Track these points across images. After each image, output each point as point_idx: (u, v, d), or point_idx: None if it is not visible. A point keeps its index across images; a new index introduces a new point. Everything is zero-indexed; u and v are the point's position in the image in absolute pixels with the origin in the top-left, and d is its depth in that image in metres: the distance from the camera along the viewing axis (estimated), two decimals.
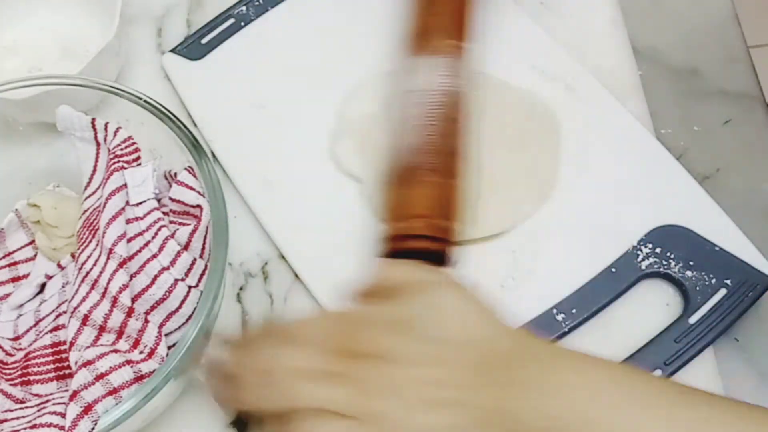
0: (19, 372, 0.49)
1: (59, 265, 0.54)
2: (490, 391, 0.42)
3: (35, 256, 0.55)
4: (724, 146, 0.60)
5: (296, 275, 0.56)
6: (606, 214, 0.56)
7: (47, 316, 0.52)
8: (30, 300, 0.53)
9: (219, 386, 0.47)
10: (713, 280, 0.53)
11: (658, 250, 0.54)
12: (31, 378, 0.49)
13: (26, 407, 0.46)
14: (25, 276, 0.55)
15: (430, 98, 0.56)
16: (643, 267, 0.54)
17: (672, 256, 0.54)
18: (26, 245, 0.56)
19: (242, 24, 0.64)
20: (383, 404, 0.42)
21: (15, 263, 0.55)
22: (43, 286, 0.54)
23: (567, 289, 0.53)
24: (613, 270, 0.54)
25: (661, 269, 0.53)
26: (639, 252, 0.54)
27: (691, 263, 0.53)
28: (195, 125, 0.61)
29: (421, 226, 0.53)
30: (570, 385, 0.42)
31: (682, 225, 0.55)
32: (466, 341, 0.44)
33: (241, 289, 0.56)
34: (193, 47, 0.63)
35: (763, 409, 0.41)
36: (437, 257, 0.52)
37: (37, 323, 0.52)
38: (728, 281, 0.52)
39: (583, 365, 0.43)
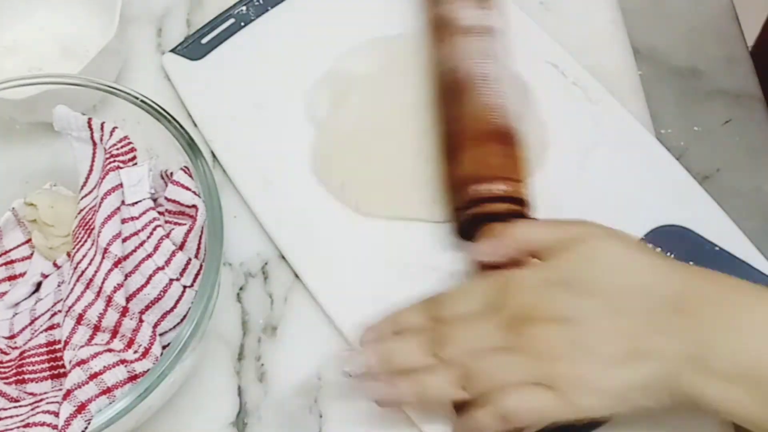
0: (14, 370, 0.49)
1: (55, 264, 0.54)
2: (675, 336, 0.41)
3: (32, 254, 0.55)
4: (724, 146, 0.60)
5: (296, 275, 0.56)
6: (606, 214, 0.56)
7: (43, 314, 0.52)
8: (26, 299, 0.53)
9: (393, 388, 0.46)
10: None
11: (658, 250, 0.54)
12: (26, 377, 0.49)
13: (20, 406, 0.46)
14: (22, 275, 0.55)
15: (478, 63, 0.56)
16: None
17: (672, 256, 0.54)
18: (23, 244, 0.56)
19: (242, 24, 0.64)
20: (577, 368, 0.42)
21: (11, 262, 0.55)
22: (39, 285, 0.54)
23: None
24: None
25: None
26: None
27: (691, 263, 0.53)
28: (195, 125, 0.61)
29: (503, 189, 0.52)
30: (756, 325, 0.40)
31: (682, 225, 0.55)
32: (635, 288, 0.43)
33: (241, 289, 0.56)
34: (193, 47, 0.63)
35: None
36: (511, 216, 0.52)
37: (32, 322, 0.52)
38: None
39: (763, 301, 0.41)
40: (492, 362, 0.44)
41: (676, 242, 0.54)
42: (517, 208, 0.52)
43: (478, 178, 0.53)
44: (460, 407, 0.47)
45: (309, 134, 0.59)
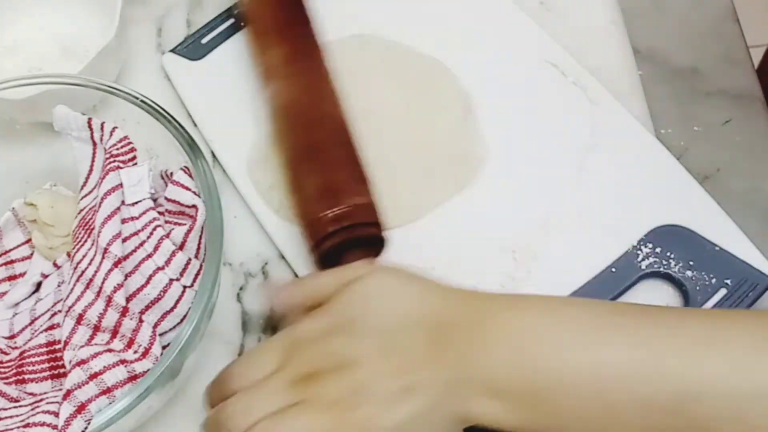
0: (14, 370, 0.49)
1: (55, 264, 0.54)
2: (447, 362, 0.43)
3: (32, 254, 0.55)
4: (724, 146, 0.60)
5: (296, 275, 0.56)
6: (606, 214, 0.56)
7: (43, 314, 0.52)
8: (26, 299, 0.53)
9: None
10: (713, 280, 0.53)
11: (658, 249, 0.54)
12: (26, 377, 0.49)
13: (20, 406, 0.46)
14: (22, 274, 0.55)
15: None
16: (643, 267, 0.54)
17: (672, 256, 0.54)
18: (23, 244, 0.56)
19: (242, 24, 0.64)
20: (361, 412, 0.42)
21: (11, 261, 0.55)
22: (39, 285, 0.54)
23: (567, 289, 0.53)
24: (613, 270, 0.54)
25: (661, 269, 0.53)
26: (639, 252, 0.54)
27: (691, 263, 0.53)
28: (195, 125, 0.61)
29: (340, 216, 0.51)
30: (513, 332, 0.42)
31: (682, 225, 0.55)
32: (400, 321, 0.44)
33: (241, 289, 0.56)
34: (193, 47, 0.63)
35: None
36: (371, 241, 0.52)
37: (32, 322, 0.52)
38: (728, 281, 0.52)
39: (522, 310, 0.44)
40: (283, 424, 0.43)
41: (676, 242, 0.54)
42: (361, 232, 0.52)
43: (327, 205, 0.52)
44: None
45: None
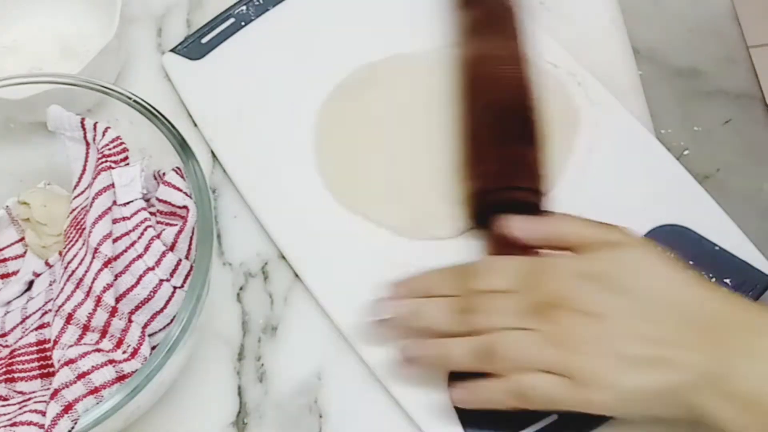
0: (4, 369, 0.49)
1: (47, 263, 0.54)
2: (700, 352, 0.42)
3: (25, 253, 0.55)
4: (724, 146, 0.60)
5: (296, 275, 0.56)
6: (606, 214, 0.56)
7: (34, 313, 0.52)
8: (18, 297, 0.53)
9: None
10: (713, 280, 0.52)
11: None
12: (16, 375, 0.49)
13: (8, 405, 0.46)
14: (14, 273, 0.55)
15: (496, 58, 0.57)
16: None
17: (672, 256, 0.54)
18: (16, 242, 0.56)
19: (242, 24, 0.64)
20: (596, 362, 0.43)
21: (4, 260, 0.55)
22: (31, 284, 0.54)
23: None
24: None
25: None
26: None
27: (691, 263, 0.53)
28: (195, 125, 0.61)
29: (524, 177, 0.53)
30: None
31: (682, 225, 0.55)
32: (672, 300, 0.44)
33: (241, 289, 0.56)
34: (193, 47, 0.63)
35: None
36: (533, 210, 0.53)
37: (23, 320, 0.52)
38: (728, 281, 0.52)
39: None
40: (515, 340, 0.45)
41: (676, 242, 0.54)
42: (537, 203, 0.53)
43: (503, 171, 0.54)
44: (456, 376, 0.48)
45: (310, 134, 0.59)
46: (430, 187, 0.57)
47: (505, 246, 0.50)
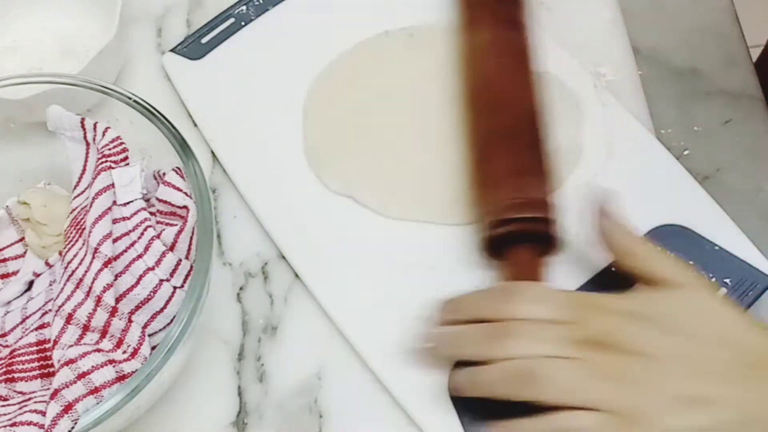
0: (4, 369, 0.49)
1: (47, 263, 0.54)
2: (750, 392, 0.41)
3: (25, 253, 0.55)
4: (724, 146, 0.60)
5: (296, 275, 0.56)
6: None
7: (34, 313, 0.52)
8: (18, 297, 0.53)
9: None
10: (713, 280, 0.52)
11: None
12: (16, 375, 0.49)
13: (8, 405, 0.46)
14: (14, 273, 0.55)
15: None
16: None
17: (672, 256, 0.54)
18: (16, 242, 0.56)
19: (242, 24, 0.64)
20: (639, 401, 0.42)
21: (4, 260, 0.55)
22: (31, 284, 0.54)
23: (567, 288, 0.53)
24: (613, 270, 0.53)
25: None
26: None
27: (691, 263, 0.53)
28: (195, 125, 0.61)
29: (538, 208, 0.52)
30: None
31: (682, 225, 0.55)
32: (720, 339, 0.43)
33: (241, 289, 0.56)
34: (193, 47, 0.63)
35: None
36: (547, 239, 0.52)
37: (23, 321, 0.52)
38: (728, 280, 0.52)
39: None
40: (560, 367, 0.43)
41: (676, 242, 0.54)
42: (551, 234, 0.52)
43: (515, 190, 0.52)
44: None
45: (310, 134, 0.59)
46: (432, 174, 0.57)
47: (518, 276, 0.50)
